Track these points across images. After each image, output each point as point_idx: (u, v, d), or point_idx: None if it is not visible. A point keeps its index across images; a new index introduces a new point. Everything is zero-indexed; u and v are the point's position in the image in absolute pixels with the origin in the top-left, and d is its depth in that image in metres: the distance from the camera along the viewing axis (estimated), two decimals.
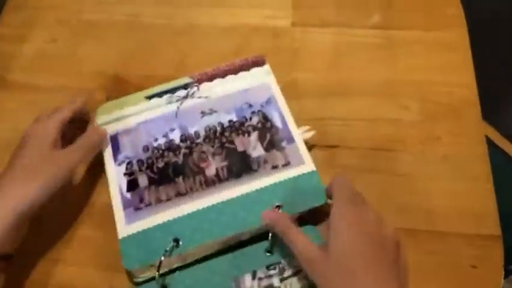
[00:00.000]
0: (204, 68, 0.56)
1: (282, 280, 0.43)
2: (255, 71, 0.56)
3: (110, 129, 0.52)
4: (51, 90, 0.59)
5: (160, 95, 0.55)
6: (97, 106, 0.54)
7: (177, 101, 0.54)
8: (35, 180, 0.43)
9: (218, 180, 0.49)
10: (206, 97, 0.55)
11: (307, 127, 0.53)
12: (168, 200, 0.48)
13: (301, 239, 0.40)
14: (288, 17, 0.65)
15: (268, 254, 0.44)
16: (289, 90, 0.58)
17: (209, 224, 0.45)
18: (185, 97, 0.55)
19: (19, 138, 0.48)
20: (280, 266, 0.44)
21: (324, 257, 0.38)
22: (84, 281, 0.47)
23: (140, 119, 0.53)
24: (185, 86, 0.55)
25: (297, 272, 0.43)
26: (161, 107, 0.54)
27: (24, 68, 0.61)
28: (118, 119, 0.53)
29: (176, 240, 0.44)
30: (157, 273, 0.42)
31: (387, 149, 0.54)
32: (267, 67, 0.57)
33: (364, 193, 0.50)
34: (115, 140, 0.52)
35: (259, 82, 0.56)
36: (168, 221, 0.46)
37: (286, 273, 0.43)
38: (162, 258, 0.43)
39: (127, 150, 0.51)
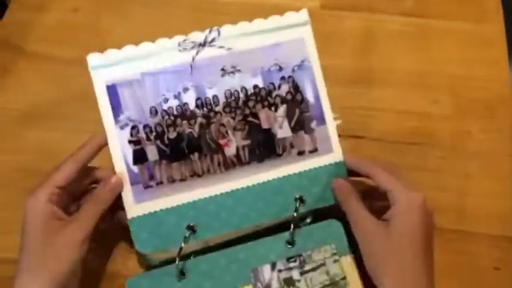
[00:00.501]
0: None
1: (302, 274, 0.42)
2: (290, 16, 0.47)
3: (106, 77, 0.42)
4: (70, 62, 0.57)
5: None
6: None
7: (192, 48, 0.44)
8: (41, 276, 0.37)
9: (238, 162, 0.44)
10: (228, 49, 0.44)
11: (335, 114, 0.48)
12: (182, 180, 0.43)
13: (361, 209, 0.40)
14: None
15: (289, 246, 0.43)
16: None
17: (227, 212, 0.43)
18: (203, 44, 0.44)
19: (35, 110, 0.46)
20: (301, 258, 0.42)
21: (383, 233, 0.38)
22: None
23: (146, 67, 0.43)
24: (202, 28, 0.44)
25: (319, 266, 0.42)
26: (172, 54, 0.44)
27: (43, 38, 0.59)
28: (116, 63, 0.43)
29: (191, 227, 0.42)
30: (177, 259, 0.41)
31: (414, 143, 0.52)
32: (304, 13, 0.47)
33: None
34: (113, 93, 0.42)
35: (294, 36, 0.46)
36: (183, 204, 0.43)
37: (307, 267, 0.42)
38: (182, 244, 0.41)
39: (130, 110, 0.42)
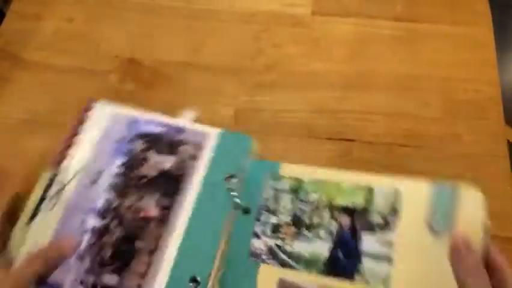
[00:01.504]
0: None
1: None
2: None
3: None
4: (67, 70, 0.58)
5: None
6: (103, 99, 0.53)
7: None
8: None
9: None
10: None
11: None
12: None
13: None
14: (308, 5, 0.63)
15: None
16: (307, 81, 0.57)
17: None
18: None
19: (33, 118, 0.47)
20: None
21: None
22: None
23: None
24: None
25: None
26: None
27: (40, 47, 0.60)
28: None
29: None
30: None
31: (405, 145, 0.53)
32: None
33: None
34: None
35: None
36: None
37: None
38: None
39: None
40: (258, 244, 0.42)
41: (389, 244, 0.39)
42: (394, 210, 0.40)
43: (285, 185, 0.44)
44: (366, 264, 0.39)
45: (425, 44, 0.60)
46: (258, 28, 0.61)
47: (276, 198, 0.44)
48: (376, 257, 0.39)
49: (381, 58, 0.59)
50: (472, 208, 0.38)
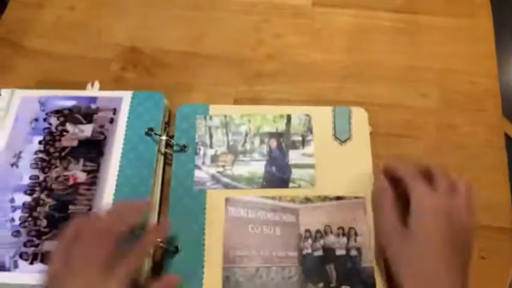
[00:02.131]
0: None
1: None
2: None
3: None
4: (68, 58, 0.59)
5: None
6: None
7: None
8: None
9: None
10: None
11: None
12: None
13: (387, 211, 0.42)
14: None
15: None
16: (307, 71, 0.57)
17: None
18: None
19: None
20: None
21: (403, 235, 0.40)
22: None
23: None
24: None
25: None
26: None
27: (41, 35, 0.60)
28: None
29: None
30: None
31: (403, 135, 0.54)
32: None
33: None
34: None
35: None
36: None
37: None
38: None
39: None
40: (201, 174, 0.49)
41: (309, 155, 0.51)
42: (309, 130, 0.52)
43: (216, 122, 0.52)
44: (295, 173, 0.50)
45: (424, 36, 0.60)
46: (259, 18, 0.62)
47: (210, 134, 0.52)
48: (301, 167, 0.50)
49: (381, 49, 0.59)
50: (360, 122, 0.52)
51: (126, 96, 0.53)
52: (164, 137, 0.51)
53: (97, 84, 0.55)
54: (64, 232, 0.40)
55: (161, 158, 0.51)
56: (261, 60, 0.58)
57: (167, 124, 0.54)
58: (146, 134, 0.50)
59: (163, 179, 0.51)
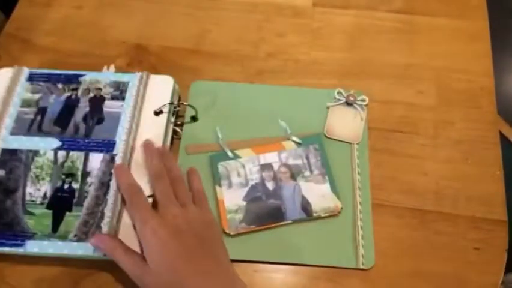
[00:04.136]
0: None
1: None
2: None
3: None
4: (75, 54, 0.60)
5: None
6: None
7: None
8: None
9: None
10: None
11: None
12: None
13: (127, 258, 0.42)
14: None
15: None
16: (307, 69, 0.59)
17: None
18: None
19: None
20: None
21: (147, 270, 0.40)
22: None
23: None
24: None
25: None
26: None
27: (50, 32, 0.62)
28: None
29: None
30: None
31: (399, 131, 0.55)
32: None
33: (376, 172, 0.52)
34: None
35: None
36: None
37: None
38: None
39: None
40: None
41: None
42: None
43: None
44: None
45: (421, 36, 0.62)
46: (260, 18, 0.63)
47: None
48: None
49: (379, 48, 0.61)
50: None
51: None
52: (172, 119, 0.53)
53: (112, 67, 0.58)
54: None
55: (170, 134, 0.53)
56: (263, 58, 0.60)
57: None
58: (156, 113, 0.52)
59: None
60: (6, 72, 0.55)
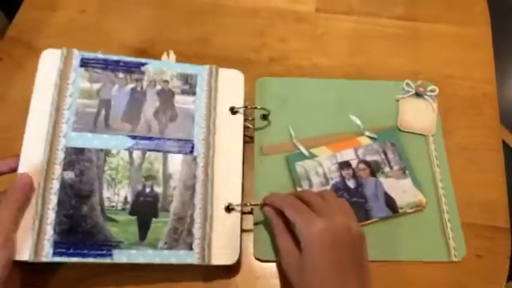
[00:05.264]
0: None
1: None
2: None
3: None
4: None
5: None
6: None
7: None
8: None
9: None
10: None
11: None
12: None
13: (284, 238, 0.43)
14: (312, 3, 0.65)
15: None
16: (309, 75, 0.59)
17: None
18: None
19: None
20: None
21: (299, 266, 0.40)
22: None
23: None
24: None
25: None
26: None
27: (53, 36, 0.62)
28: None
29: None
30: None
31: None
32: None
33: None
34: None
35: None
36: None
37: None
38: None
39: None
40: None
41: None
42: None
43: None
44: None
45: (424, 42, 0.62)
46: (263, 23, 0.63)
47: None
48: None
49: (382, 54, 0.61)
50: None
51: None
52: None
53: (172, 54, 0.57)
54: None
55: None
56: (265, 63, 0.60)
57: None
58: (231, 111, 0.51)
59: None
60: (54, 54, 0.49)
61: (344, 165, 0.51)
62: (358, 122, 0.54)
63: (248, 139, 0.53)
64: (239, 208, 0.46)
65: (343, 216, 0.41)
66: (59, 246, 0.42)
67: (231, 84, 0.52)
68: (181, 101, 0.49)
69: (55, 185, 0.44)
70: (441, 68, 0.60)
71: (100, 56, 0.50)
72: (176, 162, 0.46)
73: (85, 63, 0.49)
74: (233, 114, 0.50)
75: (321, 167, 0.51)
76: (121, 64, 0.50)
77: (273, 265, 0.47)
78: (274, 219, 0.45)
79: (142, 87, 0.49)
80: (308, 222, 0.40)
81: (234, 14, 0.64)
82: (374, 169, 0.51)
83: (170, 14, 0.64)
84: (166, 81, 0.50)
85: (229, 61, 0.60)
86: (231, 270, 0.46)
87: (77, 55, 0.49)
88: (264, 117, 0.54)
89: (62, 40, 0.62)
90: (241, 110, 0.50)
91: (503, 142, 0.56)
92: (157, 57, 0.60)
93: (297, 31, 0.63)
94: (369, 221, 0.48)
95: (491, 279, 0.47)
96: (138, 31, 0.63)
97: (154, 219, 0.44)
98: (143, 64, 0.50)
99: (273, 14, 0.64)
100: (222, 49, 0.61)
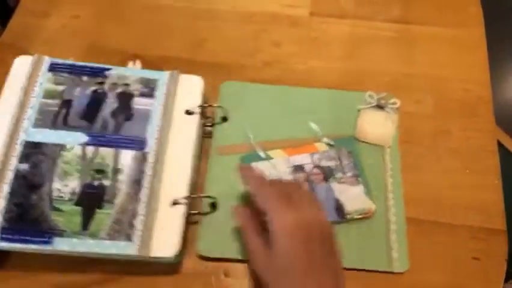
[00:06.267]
0: None
1: None
2: None
3: None
4: None
5: None
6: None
7: None
8: None
9: None
10: None
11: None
12: None
13: (253, 239, 0.42)
14: (306, 7, 0.65)
15: None
16: (304, 78, 0.59)
17: None
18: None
19: None
20: None
21: (266, 254, 0.40)
22: None
23: None
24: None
25: None
26: None
27: (46, 42, 0.62)
28: None
29: None
30: None
31: (398, 140, 0.55)
32: None
33: None
34: None
35: None
36: None
37: None
38: None
39: None
40: None
41: None
42: None
43: None
44: None
45: (418, 45, 0.62)
46: (258, 27, 0.63)
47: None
48: None
49: (376, 57, 0.61)
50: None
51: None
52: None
53: (138, 63, 0.58)
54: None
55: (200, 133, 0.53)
56: (259, 68, 0.60)
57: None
58: (187, 113, 0.52)
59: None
60: (25, 60, 0.53)
61: (298, 168, 0.51)
62: (317, 129, 0.54)
63: (209, 139, 0.54)
64: (184, 201, 0.47)
65: (314, 208, 0.41)
66: (5, 232, 0.44)
67: (190, 89, 0.54)
68: (139, 102, 0.52)
69: (9, 176, 0.47)
70: (437, 70, 0.60)
71: (69, 62, 0.54)
72: (127, 158, 0.49)
73: (53, 68, 0.53)
74: (188, 115, 0.52)
75: (275, 169, 0.51)
76: (87, 69, 0.54)
77: (218, 263, 0.47)
78: (244, 220, 0.44)
79: (103, 90, 0.53)
80: (280, 213, 0.39)
81: (228, 19, 0.64)
82: (327, 174, 0.51)
83: (164, 19, 0.64)
84: (127, 85, 0.53)
85: (224, 65, 0.60)
86: (173, 266, 0.47)
87: (46, 61, 0.54)
88: (224, 119, 0.55)
89: (56, 46, 0.62)
90: (197, 111, 0.52)
91: (498, 143, 0.56)
92: (151, 63, 0.60)
93: (291, 35, 0.63)
94: None
95: (488, 281, 0.47)
96: (132, 36, 0.63)
97: (98, 211, 0.46)
98: (107, 69, 0.54)
99: (268, 19, 0.64)
100: (216, 54, 0.61)
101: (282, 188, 0.42)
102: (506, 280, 0.48)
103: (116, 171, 0.48)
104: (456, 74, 0.59)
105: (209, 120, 0.55)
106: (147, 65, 0.60)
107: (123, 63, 0.60)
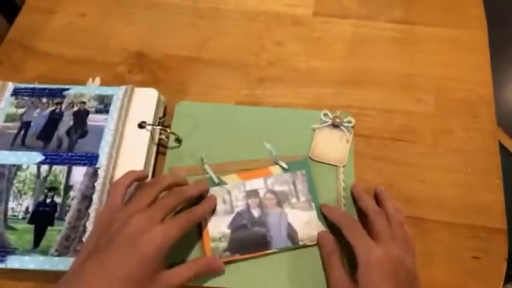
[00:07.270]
0: None
1: None
2: None
3: None
4: (76, 61, 0.61)
5: None
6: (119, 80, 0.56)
7: None
8: None
9: None
10: None
11: None
12: None
13: (339, 268, 0.44)
14: (309, 7, 0.66)
15: None
16: (306, 77, 0.59)
17: None
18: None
19: None
20: None
21: (353, 286, 0.41)
22: None
23: None
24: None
25: None
26: None
27: (52, 39, 0.63)
28: None
29: None
30: None
31: (399, 139, 0.55)
32: None
33: (375, 180, 0.52)
34: None
35: None
36: None
37: None
38: None
39: None
40: None
41: None
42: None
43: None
44: None
45: (421, 45, 0.62)
46: (261, 27, 0.64)
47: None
48: None
49: (378, 57, 0.61)
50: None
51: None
52: (158, 127, 0.53)
53: (97, 80, 0.58)
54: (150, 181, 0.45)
55: (154, 148, 0.53)
56: (263, 66, 0.60)
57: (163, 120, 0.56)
58: (140, 126, 0.52)
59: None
60: None
61: (252, 193, 0.51)
62: (272, 149, 0.53)
63: (164, 156, 0.54)
64: None
65: (401, 248, 0.42)
66: None
67: (144, 102, 0.54)
68: (94, 119, 0.53)
69: None
70: (438, 71, 0.60)
71: (31, 85, 0.55)
72: (78, 174, 0.49)
73: (16, 92, 0.55)
74: (140, 128, 0.52)
75: (229, 195, 0.50)
76: (46, 91, 0.55)
77: None
78: (331, 248, 0.46)
79: (60, 109, 0.54)
80: (368, 248, 0.41)
81: (232, 18, 0.65)
82: (280, 200, 0.50)
83: (169, 17, 0.65)
84: (83, 103, 0.54)
85: (228, 64, 0.60)
86: None
87: (10, 87, 0.55)
88: (178, 140, 0.54)
89: (61, 43, 0.62)
90: (149, 125, 0.52)
91: (500, 143, 0.56)
92: (156, 61, 0.61)
93: (294, 35, 0.63)
94: (269, 251, 0.47)
95: (488, 281, 0.47)
96: (138, 35, 0.63)
97: (49, 228, 0.47)
98: (66, 90, 0.55)
99: (272, 18, 0.65)
100: (221, 52, 0.62)
101: (375, 216, 0.45)
102: (507, 281, 0.48)
103: (68, 188, 0.49)
104: (458, 74, 0.60)
105: (165, 133, 0.54)
106: (152, 63, 0.60)
107: (127, 61, 0.60)
